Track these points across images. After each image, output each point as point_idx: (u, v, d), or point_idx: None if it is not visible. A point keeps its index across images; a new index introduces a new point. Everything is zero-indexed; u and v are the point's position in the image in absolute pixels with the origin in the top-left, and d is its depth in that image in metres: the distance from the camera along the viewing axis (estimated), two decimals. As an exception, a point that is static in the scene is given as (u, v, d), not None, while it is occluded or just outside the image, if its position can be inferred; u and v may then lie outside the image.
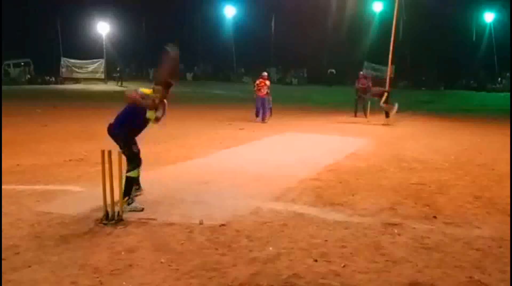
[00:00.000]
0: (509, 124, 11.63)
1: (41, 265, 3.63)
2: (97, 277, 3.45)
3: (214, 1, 47.44)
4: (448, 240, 4.32)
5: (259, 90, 13.84)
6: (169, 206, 5.18)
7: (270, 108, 14.20)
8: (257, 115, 13.96)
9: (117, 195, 4.56)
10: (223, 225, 4.56)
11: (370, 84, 15.96)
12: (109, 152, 4.57)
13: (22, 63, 39.37)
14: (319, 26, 42.03)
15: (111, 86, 35.59)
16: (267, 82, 14.04)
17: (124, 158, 4.75)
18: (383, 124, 13.85)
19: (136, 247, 4.00)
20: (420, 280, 3.50)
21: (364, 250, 4.04)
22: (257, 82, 14.12)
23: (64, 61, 41.94)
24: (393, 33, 16.76)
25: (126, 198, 4.82)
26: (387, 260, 3.84)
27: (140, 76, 43.86)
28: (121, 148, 4.81)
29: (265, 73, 14.38)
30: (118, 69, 39.24)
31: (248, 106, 13.43)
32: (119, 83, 35.09)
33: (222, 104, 21.25)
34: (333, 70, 38.48)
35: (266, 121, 13.77)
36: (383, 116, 15.47)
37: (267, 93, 13.89)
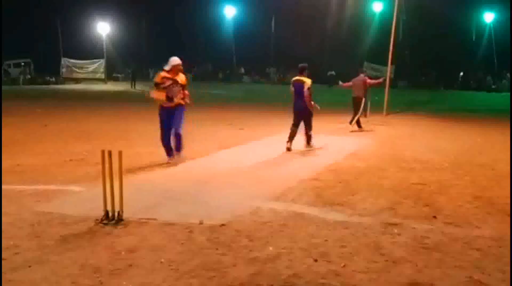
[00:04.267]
0: (509, 124, 11.62)
1: (41, 265, 3.63)
2: (97, 277, 3.45)
3: (214, 1, 47.49)
4: (447, 240, 4.32)
5: (162, 94, 7.06)
6: (169, 206, 5.18)
7: (179, 135, 7.27)
8: (168, 153, 7.34)
9: (117, 195, 4.55)
10: (223, 225, 4.56)
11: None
12: (109, 152, 4.56)
13: (22, 63, 39.38)
14: (319, 26, 42.09)
15: (117, 86, 35.55)
16: (181, 78, 7.30)
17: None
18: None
19: (136, 247, 3.99)
20: (420, 280, 3.50)
21: (364, 250, 4.04)
22: (158, 79, 7.17)
23: (64, 61, 42.03)
24: (393, 33, 16.79)
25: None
26: (387, 260, 3.84)
27: (140, 76, 43.72)
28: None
29: (176, 59, 7.25)
30: (130, 70, 38.78)
31: (248, 106, 13.26)
32: (133, 86, 33.82)
33: (222, 104, 21.22)
34: (333, 72, 38.43)
35: (178, 159, 7.34)
36: (383, 116, 15.50)
37: (182, 100, 7.28)
